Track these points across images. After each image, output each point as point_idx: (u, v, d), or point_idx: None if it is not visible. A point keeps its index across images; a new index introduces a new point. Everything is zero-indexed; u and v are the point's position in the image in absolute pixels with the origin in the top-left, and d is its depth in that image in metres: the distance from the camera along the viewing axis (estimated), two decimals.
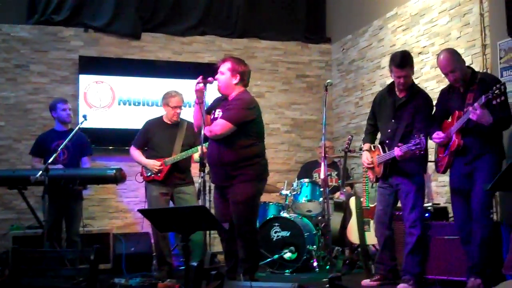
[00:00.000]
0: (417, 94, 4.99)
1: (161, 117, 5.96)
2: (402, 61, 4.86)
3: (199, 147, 5.23)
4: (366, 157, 5.17)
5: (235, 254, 4.83)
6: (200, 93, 4.72)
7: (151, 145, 5.87)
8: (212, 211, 4.88)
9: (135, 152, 5.89)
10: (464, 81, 4.52)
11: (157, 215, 4.12)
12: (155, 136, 5.85)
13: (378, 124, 5.21)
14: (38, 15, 7.38)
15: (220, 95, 4.96)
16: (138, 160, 5.86)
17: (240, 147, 4.70)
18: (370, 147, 5.20)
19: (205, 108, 4.81)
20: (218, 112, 4.81)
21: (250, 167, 4.72)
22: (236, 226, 4.72)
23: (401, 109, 4.95)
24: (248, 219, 4.77)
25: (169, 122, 5.87)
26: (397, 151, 4.70)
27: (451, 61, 4.52)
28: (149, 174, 5.75)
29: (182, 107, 5.93)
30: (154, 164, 5.70)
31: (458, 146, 4.46)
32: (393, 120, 4.96)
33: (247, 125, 4.73)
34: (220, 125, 4.68)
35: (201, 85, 4.72)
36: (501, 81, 4.66)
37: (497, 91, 4.06)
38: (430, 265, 4.95)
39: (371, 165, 5.13)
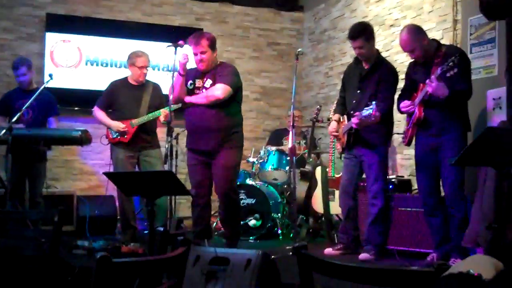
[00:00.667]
0: (381, 64, 5.02)
1: (126, 78, 5.84)
2: (354, 32, 4.94)
3: (162, 110, 5.31)
4: (332, 126, 5.21)
5: (205, 220, 5.05)
6: (184, 66, 4.90)
7: (117, 106, 5.75)
8: (179, 176, 4.88)
9: (99, 113, 5.76)
10: (426, 56, 4.55)
11: (123, 179, 4.09)
12: (120, 97, 5.73)
13: (346, 94, 5.23)
14: None
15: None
16: (103, 120, 5.74)
17: (232, 113, 4.99)
18: (339, 118, 5.22)
19: (174, 71, 4.92)
20: (201, 82, 4.98)
21: (237, 134, 5.06)
22: (221, 189, 4.97)
23: (365, 80, 4.98)
24: (233, 182, 5.10)
25: (134, 83, 5.76)
26: (353, 120, 4.76)
27: (410, 41, 4.54)
28: (115, 136, 5.65)
29: (149, 69, 5.85)
30: (118, 125, 5.59)
31: (418, 118, 4.51)
32: (358, 91, 5.00)
33: (236, 92, 4.99)
34: (221, 89, 4.85)
35: (185, 58, 4.88)
36: (464, 52, 4.72)
37: (451, 63, 4.14)
38: (392, 236, 5.04)
39: (336, 134, 5.17)
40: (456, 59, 4.16)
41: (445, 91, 4.26)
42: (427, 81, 4.32)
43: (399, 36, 4.69)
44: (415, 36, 4.55)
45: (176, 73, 4.90)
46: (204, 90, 4.98)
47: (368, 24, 5.15)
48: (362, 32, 4.93)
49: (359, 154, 5.03)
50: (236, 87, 4.99)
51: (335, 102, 5.47)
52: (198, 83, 5.02)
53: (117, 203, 5.99)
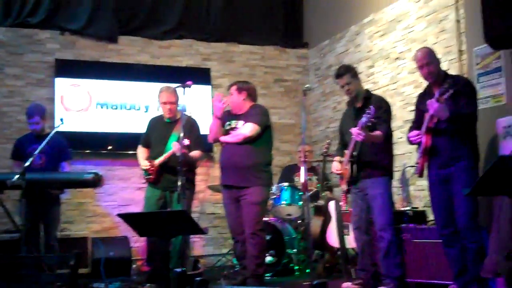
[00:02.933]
0: (371, 97, 5.15)
1: (162, 114, 5.81)
2: (339, 71, 5.20)
3: (173, 143, 5.40)
4: (335, 166, 5.31)
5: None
6: (218, 109, 5.28)
7: (151, 144, 5.76)
8: (192, 214, 4.88)
9: (139, 151, 5.83)
10: (437, 78, 4.56)
11: (136, 220, 4.08)
12: (153, 135, 5.76)
13: (345, 138, 5.29)
14: (13, 18, 7.26)
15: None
16: (138, 158, 5.80)
17: (260, 152, 5.24)
18: (340, 159, 5.30)
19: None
20: (235, 123, 5.33)
21: (265, 172, 5.28)
22: (248, 226, 5.12)
23: (359, 116, 4.96)
24: (260, 220, 5.23)
25: (167, 120, 5.73)
26: (354, 131, 4.79)
27: (428, 54, 4.60)
28: (144, 175, 5.66)
29: (177, 104, 5.68)
30: (142, 164, 5.62)
31: (426, 147, 4.51)
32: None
33: (265, 131, 5.29)
34: (249, 127, 5.20)
35: (221, 102, 5.25)
36: (469, 80, 4.77)
37: (446, 85, 4.24)
38: (410, 269, 4.99)
39: (340, 172, 5.22)
40: (451, 80, 4.27)
41: (445, 113, 4.29)
42: (428, 102, 4.36)
43: (415, 54, 4.72)
44: (432, 52, 4.64)
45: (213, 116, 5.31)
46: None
47: (351, 65, 5.39)
48: (348, 70, 5.17)
49: (363, 187, 5.07)
50: (264, 126, 5.28)
51: (336, 149, 5.55)
52: (233, 124, 5.35)
53: (131, 243, 5.93)
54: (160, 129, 5.71)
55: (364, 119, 4.71)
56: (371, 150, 4.98)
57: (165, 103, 5.64)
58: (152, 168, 5.54)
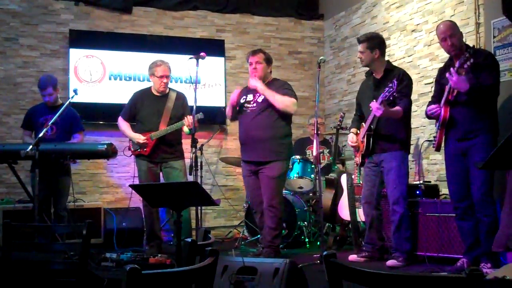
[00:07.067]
0: (392, 70, 5.09)
1: (149, 88, 5.85)
2: (360, 37, 5.25)
3: (185, 120, 5.40)
4: (351, 137, 5.27)
5: None
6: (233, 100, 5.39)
7: (139, 118, 5.77)
8: (204, 186, 4.91)
9: (123, 124, 5.83)
10: (460, 51, 4.47)
11: (148, 190, 4.10)
12: (142, 108, 5.75)
13: (363, 110, 5.25)
14: None
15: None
16: (125, 132, 5.80)
17: (282, 125, 5.25)
18: (356, 131, 5.27)
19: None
20: (251, 96, 5.30)
21: (285, 146, 5.31)
22: (266, 199, 5.16)
23: (379, 87, 5.00)
24: (279, 192, 5.29)
25: (157, 94, 5.75)
26: (373, 105, 4.76)
27: (451, 27, 4.53)
28: (135, 148, 5.68)
29: (170, 78, 5.86)
30: (138, 138, 5.62)
31: (444, 118, 4.46)
32: (374, 100, 4.94)
33: None
34: (295, 105, 5.23)
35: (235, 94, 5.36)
36: (491, 53, 4.69)
37: (467, 54, 4.19)
38: (421, 242, 5.00)
39: (355, 144, 5.20)
40: (471, 50, 4.24)
41: (465, 85, 4.22)
42: (447, 74, 4.29)
43: (436, 27, 4.66)
44: (455, 26, 4.57)
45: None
46: (255, 104, 5.25)
47: (377, 36, 5.29)
48: (366, 39, 5.15)
49: (379, 160, 5.05)
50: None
51: (351, 120, 5.50)
52: (249, 97, 5.31)
53: (143, 215, 6.02)
54: (151, 104, 5.74)
55: (385, 93, 4.67)
56: (388, 123, 4.95)
57: (162, 76, 5.67)
58: (149, 142, 5.59)
